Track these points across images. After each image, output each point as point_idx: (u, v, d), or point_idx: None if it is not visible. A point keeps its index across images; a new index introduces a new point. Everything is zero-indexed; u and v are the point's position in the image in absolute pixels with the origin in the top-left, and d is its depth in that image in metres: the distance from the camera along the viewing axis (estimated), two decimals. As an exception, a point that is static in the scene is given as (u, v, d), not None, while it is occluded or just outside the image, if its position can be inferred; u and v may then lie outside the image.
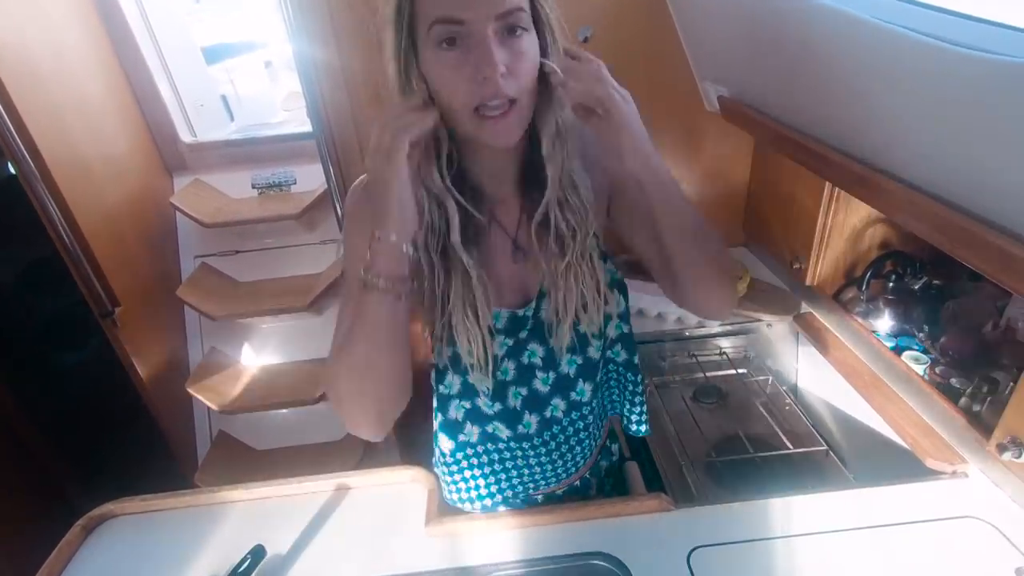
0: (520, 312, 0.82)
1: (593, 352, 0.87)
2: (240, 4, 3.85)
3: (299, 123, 2.46)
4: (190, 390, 2.04)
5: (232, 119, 2.69)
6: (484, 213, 0.78)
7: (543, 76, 0.67)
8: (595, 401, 0.93)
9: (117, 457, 2.04)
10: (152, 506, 1.02)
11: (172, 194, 2.14)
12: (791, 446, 1.18)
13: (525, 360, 0.85)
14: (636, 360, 0.96)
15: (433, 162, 0.70)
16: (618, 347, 0.94)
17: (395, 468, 1.05)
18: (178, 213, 2.10)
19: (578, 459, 0.96)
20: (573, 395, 0.89)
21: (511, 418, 0.88)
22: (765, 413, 1.28)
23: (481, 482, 0.96)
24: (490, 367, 0.80)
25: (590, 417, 0.93)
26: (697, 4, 1.27)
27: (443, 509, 0.97)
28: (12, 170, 1.55)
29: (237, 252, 2.20)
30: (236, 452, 2.18)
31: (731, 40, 1.21)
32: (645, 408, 0.99)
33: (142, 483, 1.12)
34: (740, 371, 1.46)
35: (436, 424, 0.94)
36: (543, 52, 0.67)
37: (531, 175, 0.77)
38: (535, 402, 0.87)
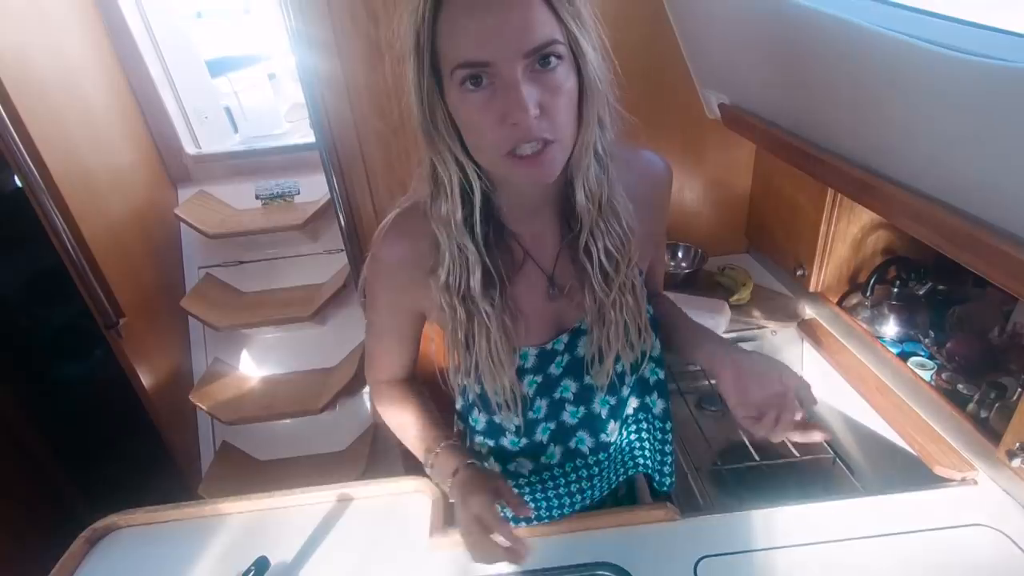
0: (548, 347, 0.79)
1: (625, 391, 0.85)
2: (243, 17, 3.89)
3: (302, 134, 2.48)
4: (194, 400, 2.04)
5: (236, 131, 2.71)
6: (516, 252, 0.75)
7: (585, 108, 0.62)
8: (621, 440, 0.91)
9: (121, 468, 2.04)
10: (156, 518, 1.02)
11: (176, 205, 2.15)
12: (797, 454, 1.17)
13: (557, 395, 0.82)
14: (670, 409, 0.90)
15: (458, 208, 0.66)
16: (655, 395, 0.87)
17: (399, 479, 1.04)
18: (182, 224, 2.12)
19: (596, 493, 0.94)
20: (602, 436, 0.86)
21: (535, 451, 0.86)
22: (771, 420, 1.27)
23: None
24: (519, 407, 0.78)
25: (616, 456, 0.92)
26: (698, 12, 1.27)
27: (447, 520, 0.97)
28: (18, 182, 1.56)
29: (241, 263, 2.21)
30: (239, 463, 2.18)
31: (732, 48, 1.21)
32: (672, 460, 0.93)
33: (146, 494, 1.11)
34: (745, 378, 1.45)
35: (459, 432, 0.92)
36: (581, 80, 0.60)
37: (568, 206, 0.72)
38: (561, 434, 0.85)
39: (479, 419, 0.86)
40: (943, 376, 1.11)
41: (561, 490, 0.91)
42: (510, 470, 0.88)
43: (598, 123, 0.64)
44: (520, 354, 0.77)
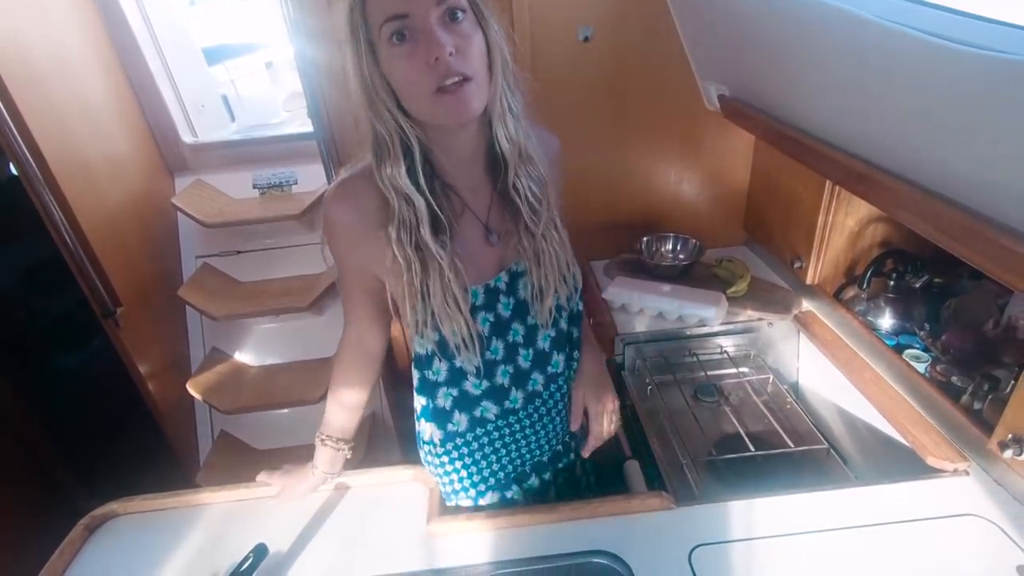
0: (491, 284, 0.86)
1: (563, 324, 0.95)
2: (238, 5, 3.86)
3: (300, 123, 2.46)
4: (191, 390, 2.04)
5: (233, 119, 2.70)
6: (455, 203, 0.84)
7: (492, 63, 0.74)
8: (568, 371, 1.00)
9: (119, 457, 2.04)
10: (155, 505, 1.03)
11: (173, 194, 2.14)
12: (792, 444, 1.18)
13: (510, 339, 0.90)
14: (577, 334, 1.02)
15: (400, 163, 0.76)
16: (571, 324, 0.98)
17: (396, 467, 1.05)
18: (179, 213, 2.11)
19: (558, 428, 1.02)
20: (550, 368, 0.95)
21: (499, 395, 0.93)
22: (766, 411, 1.28)
23: (473, 469, 0.99)
24: (477, 346, 0.85)
25: (565, 387, 1.00)
26: (698, 3, 1.27)
27: (444, 508, 0.97)
28: (14, 171, 1.55)
29: (238, 252, 2.21)
30: (238, 452, 2.19)
31: (732, 39, 1.21)
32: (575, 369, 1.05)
33: (144, 483, 1.12)
34: (741, 369, 1.46)
35: (419, 408, 0.97)
36: (485, 37, 0.73)
37: (494, 159, 0.83)
38: (519, 378, 0.93)
39: (440, 369, 0.91)
40: (938, 368, 1.12)
41: (527, 431, 0.98)
42: (477, 416, 0.94)
43: (506, 81, 0.76)
44: (471, 292, 0.84)
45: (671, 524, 0.91)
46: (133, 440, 2.06)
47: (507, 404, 0.94)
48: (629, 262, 1.73)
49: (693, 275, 1.63)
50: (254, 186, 2.18)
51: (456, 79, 0.69)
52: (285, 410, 2.13)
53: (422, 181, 0.77)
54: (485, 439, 0.97)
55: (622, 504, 0.94)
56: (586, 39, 1.52)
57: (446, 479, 1.00)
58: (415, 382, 0.96)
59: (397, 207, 0.77)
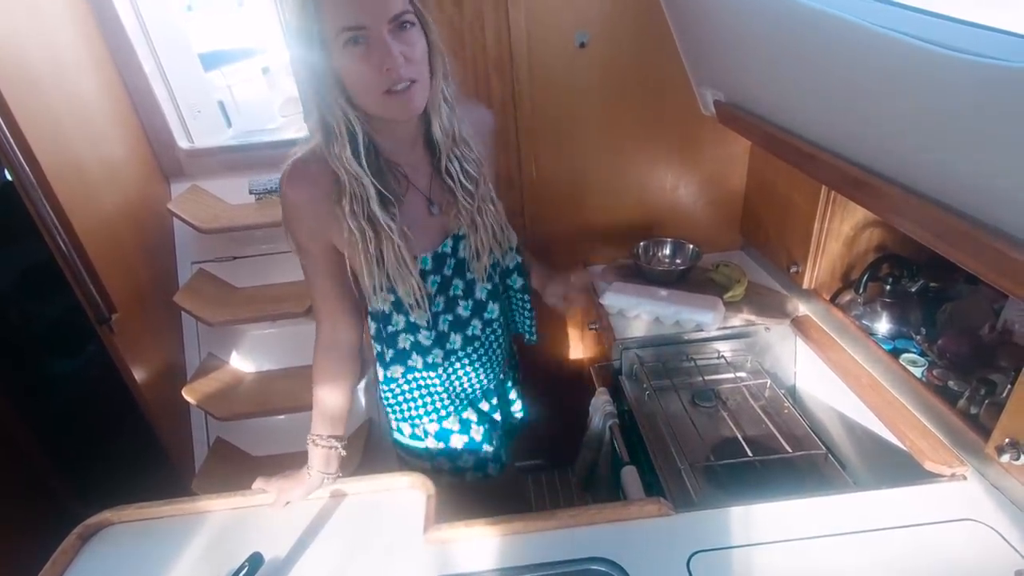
0: (439, 250, 0.98)
1: (497, 279, 1.08)
2: (235, 10, 3.86)
3: (296, 129, 2.46)
4: (187, 396, 2.03)
5: (229, 125, 2.69)
6: (400, 180, 0.94)
7: (433, 62, 0.85)
8: (502, 317, 1.13)
9: (114, 464, 2.02)
10: (150, 514, 1.02)
11: (169, 200, 2.13)
12: (790, 449, 1.18)
13: (451, 293, 1.03)
14: (528, 283, 1.16)
15: (347, 147, 0.85)
16: (515, 276, 1.13)
17: (393, 474, 1.05)
18: (175, 219, 2.10)
19: (495, 364, 1.15)
20: (486, 315, 1.08)
21: (442, 340, 1.05)
22: (763, 416, 1.28)
23: (428, 399, 1.09)
24: (425, 304, 0.97)
25: (500, 331, 1.12)
26: (693, 9, 1.27)
27: (440, 516, 0.97)
28: (8, 176, 1.55)
29: (234, 258, 2.20)
30: (234, 459, 2.17)
31: (727, 45, 1.21)
32: (534, 319, 1.21)
33: (139, 490, 1.11)
34: (738, 374, 1.46)
35: (386, 357, 1.06)
36: (428, 42, 0.84)
37: (433, 143, 0.94)
38: (459, 324, 1.06)
39: (398, 321, 1.02)
40: (934, 372, 1.12)
41: (469, 368, 1.10)
42: (428, 361, 1.05)
43: (444, 77, 0.87)
44: (421, 260, 0.96)
45: (669, 530, 0.90)
46: (128, 447, 2.04)
47: (448, 346, 1.06)
48: (626, 267, 1.73)
49: (690, 280, 1.63)
50: (250, 191, 2.17)
51: (405, 84, 0.80)
52: (282, 416, 2.11)
53: (365, 162, 0.87)
54: (435, 373, 1.07)
55: (620, 510, 0.93)
56: (582, 45, 1.52)
57: (406, 409, 1.11)
58: (371, 331, 1.07)
59: (348, 184, 0.87)
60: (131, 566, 0.93)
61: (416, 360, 1.05)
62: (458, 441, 1.14)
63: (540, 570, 0.86)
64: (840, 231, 1.34)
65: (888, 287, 1.31)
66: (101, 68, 1.95)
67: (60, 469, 2.09)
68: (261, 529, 0.97)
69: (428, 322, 1.01)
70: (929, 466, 0.98)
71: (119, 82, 2.01)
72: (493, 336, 1.12)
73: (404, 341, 1.04)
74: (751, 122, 1.26)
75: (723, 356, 1.48)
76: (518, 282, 1.15)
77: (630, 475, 1.16)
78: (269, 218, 2.05)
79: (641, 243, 1.72)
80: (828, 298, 1.41)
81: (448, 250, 0.99)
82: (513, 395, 1.29)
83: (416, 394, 1.09)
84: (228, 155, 2.23)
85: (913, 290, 1.30)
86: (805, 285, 1.43)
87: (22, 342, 2.08)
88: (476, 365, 1.11)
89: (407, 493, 1.02)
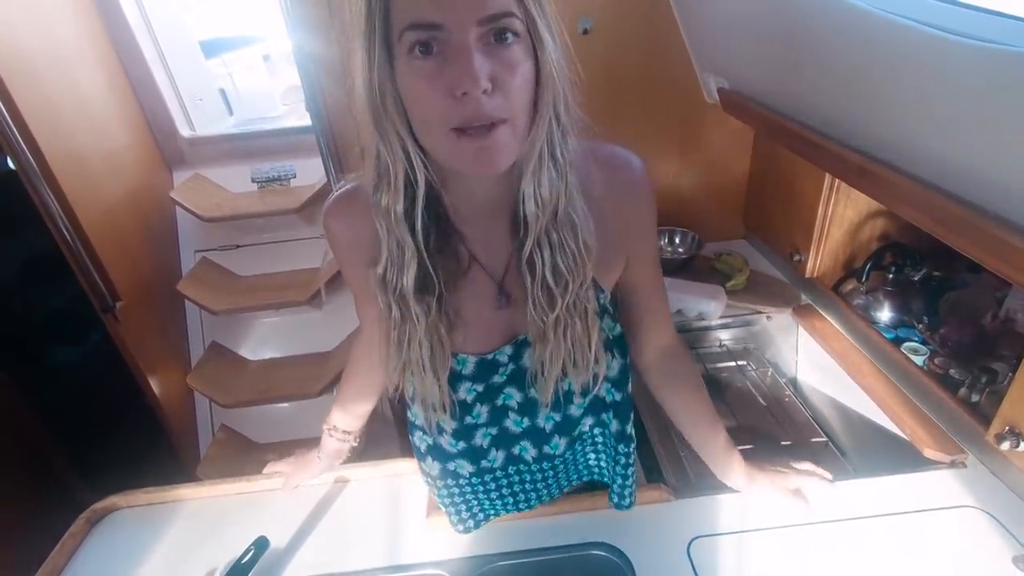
0: (490, 357, 0.74)
1: (575, 410, 0.80)
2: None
3: (298, 117, 2.45)
4: (191, 384, 2.05)
5: (231, 113, 2.68)
6: (462, 255, 0.69)
7: (540, 99, 0.56)
8: (568, 453, 0.85)
9: (119, 451, 2.05)
10: (156, 499, 1.03)
11: (172, 188, 2.13)
12: (791, 437, 1.18)
13: (499, 403, 0.78)
14: (630, 431, 0.85)
15: (400, 199, 0.60)
16: (610, 414, 0.83)
17: (396, 460, 1.06)
18: (178, 207, 2.10)
19: (543, 498, 0.91)
20: (546, 448, 0.82)
21: (476, 454, 0.82)
22: (765, 404, 1.28)
23: (447, 501, 0.89)
24: (448, 412, 0.75)
25: (561, 467, 0.87)
26: (697, -5, 1.26)
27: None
28: (11, 165, 1.55)
29: (237, 246, 2.20)
30: (238, 445, 2.19)
31: (732, 32, 1.21)
32: (633, 480, 0.88)
33: (144, 477, 1.12)
34: (740, 363, 1.46)
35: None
36: (537, 68, 0.55)
37: (520, 215, 0.64)
38: (504, 439, 0.81)
39: (417, 413, 0.80)
40: (936, 361, 1.12)
41: (504, 491, 0.87)
42: (450, 469, 0.83)
43: (556, 122, 0.58)
44: (458, 360, 0.73)
45: (670, 516, 0.91)
46: (133, 434, 2.06)
47: (484, 463, 0.82)
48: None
49: (692, 268, 1.63)
50: (252, 180, 2.17)
51: (485, 122, 0.53)
52: (285, 404, 2.13)
53: (419, 223, 0.62)
54: (456, 489, 0.86)
55: (621, 496, 0.94)
56: (585, 31, 1.51)
57: (436, 489, 0.91)
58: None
59: (386, 246, 0.64)
60: (138, 550, 0.95)
61: (432, 466, 0.84)
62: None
63: (542, 555, 0.87)
64: (843, 219, 1.33)
65: (891, 276, 1.31)
66: (102, 56, 1.94)
67: (66, 456, 2.11)
68: (266, 514, 0.98)
69: (451, 429, 0.79)
70: (929, 454, 0.98)
71: (121, 70, 2.01)
72: (551, 472, 0.86)
73: (420, 441, 0.84)
74: (755, 109, 1.26)
75: (725, 344, 1.49)
76: (612, 424, 0.83)
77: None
78: (271, 206, 2.06)
79: (643, 232, 1.72)
80: (830, 287, 1.41)
81: (504, 359, 0.74)
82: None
83: (433, 490, 0.90)
84: (230, 143, 2.23)
85: (916, 279, 1.30)
86: (807, 274, 1.43)
87: (27, 331, 2.10)
88: (516, 488, 0.87)
89: (409, 479, 1.03)
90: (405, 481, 1.03)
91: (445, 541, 0.91)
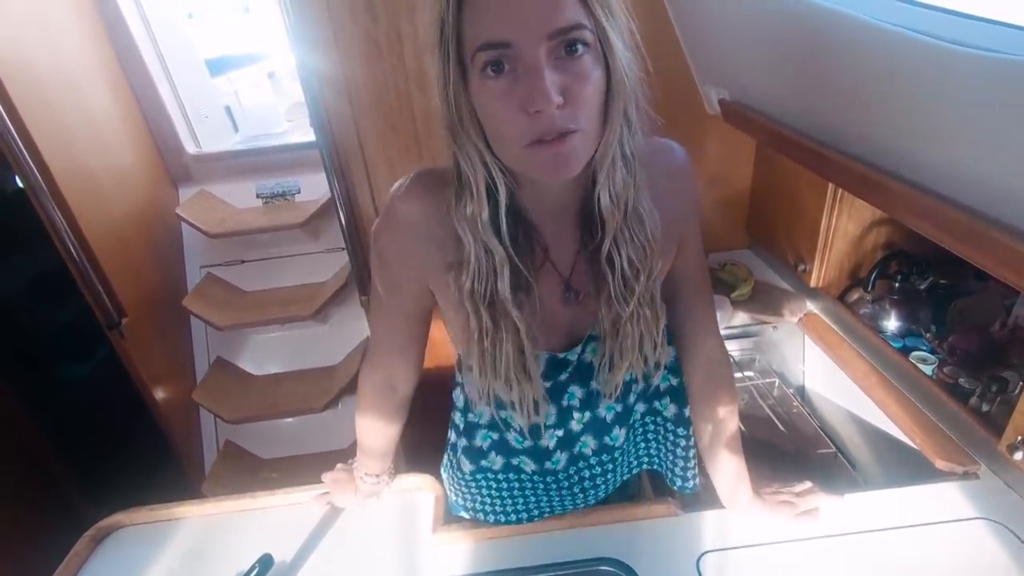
0: (561, 355, 0.76)
1: (632, 399, 0.84)
2: (241, 16, 3.88)
3: (303, 133, 2.48)
4: (197, 400, 2.04)
5: (236, 130, 2.71)
6: (536, 252, 0.70)
7: (610, 104, 0.58)
8: (627, 444, 0.89)
9: (124, 467, 2.04)
10: (161, 516, 1.03)
11: (178, 205, 2.15)
12: (799, 449, 1.17)
13: (565, 403, 0.80)
14: (688, 413, 0.89)
15: (484, 208, 0.62)
16: (666, 400, 0.88)
17: (401, 475, 1.05)
18: (184, 223, 2.12)
19: (600, 492, 0.93)
20: (607, 439, 0.85)
21: (541, 455, 0.85)
22: (772, 416, 1.27)
23: (498, 503, 0.92)
24: (533, 411, 0.75)
25: (620, 459, 0.90)
26: (697, 7, 1.27)
27: (449, 517, 0.97)
28: (19, 183, 1.57)
29: (243, 262, 2.22)
30: (243, 461, 2.19)
31: (732, 43, 1.21)
32: (696, 463, 0.93)
33: (149, 493, 1.12)
34: (746, 374, 1.45)
35: (455, 438, 0.91)
36: (608, 74, 0.57)
37: (589, 211, 0.67)
38: (568, 440, 0.84)
39: (483, 413, 0.82)
40: (945, 370, 1.11)
41: (564, 491, 0.90)
42: (513, 464, 0.86)
43: (627, 123, 0.61)
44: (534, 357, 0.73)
45: (678, 531, 0.90)
46: (138, 450, 2.06)
47: (548, 464, 0.86)
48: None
49: (697, 279, 1.63)
50: (257, 196, 2.19)
51: (558, 133, 0.55)
52: (290, 419, 2.13)
53: (505, 228, 0.64)
54: (517, 484, 0.89)
55: (629, 511, 0.93)
56: (586, 45, 1.52)
57: (468, 500, 0.94)
58: (456, 416, 0.90)
59: (474, 254, 0.64)
60: (143, 568, 0.94)
61: (494, 460, 0.86)
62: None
63: (549, 571, 0.86)
64: (848, 229, 1.33)
65: (897, 284, 1.30)
66: (109, 75, 1.97)
67: (71, 472, 2.11)
68: (271, 530, 0.98)
69: (525, 430, 0.80)
70: (940, 465, 0.97)
71: (127, 88, 2.04)
72: (611, 465, 0.89)
73: (483, 439, 0.85)
74: (757, 120, 1.26)
75: (730, 355, 1.48)
76: (669, 408, 0.88)
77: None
78: (276, 222, 2.07)
79: (647, 243, 1.72)
80: (836, 296, 1.40)
81: (573, 358, 0.77)
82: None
83: (483, 493, 0.91)
84: (235, 160, 2.25)
85: (922, 287, 1.29)
86: (813, 283, 1.42)
87: (34, 347, 2.11)
88: (576, 489, 0.90)
89: (415, 494, 1.02)
90: (411, 496, 1.02)
91: (452, 557, 0.90)
